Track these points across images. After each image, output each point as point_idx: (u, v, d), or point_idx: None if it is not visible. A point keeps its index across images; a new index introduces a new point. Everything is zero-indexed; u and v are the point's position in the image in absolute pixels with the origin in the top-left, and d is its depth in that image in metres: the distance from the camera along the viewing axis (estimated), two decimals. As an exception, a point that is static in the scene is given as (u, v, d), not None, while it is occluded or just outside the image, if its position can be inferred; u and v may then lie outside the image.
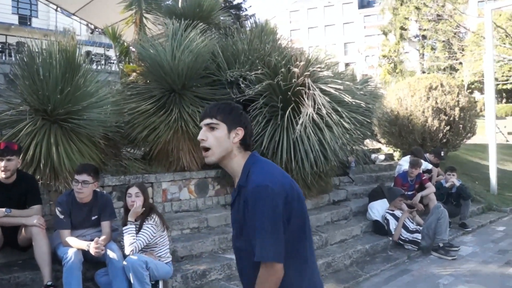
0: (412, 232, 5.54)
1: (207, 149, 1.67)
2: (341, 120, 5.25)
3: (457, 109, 8.37)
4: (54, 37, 4.17)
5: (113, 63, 14.44)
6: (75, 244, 3.37)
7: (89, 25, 13.56)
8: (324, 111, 5.14)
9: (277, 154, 5.14)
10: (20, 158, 3.58)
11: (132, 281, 3.32)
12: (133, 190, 3.58)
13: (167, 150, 5.06)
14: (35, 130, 3.93)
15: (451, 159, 9.33)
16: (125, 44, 7.75)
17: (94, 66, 12.86)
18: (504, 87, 28.07)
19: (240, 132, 1.68)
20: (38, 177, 3.89)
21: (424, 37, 29.99)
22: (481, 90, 28.57)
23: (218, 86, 5.49)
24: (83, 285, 3.29)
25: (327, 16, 54.38)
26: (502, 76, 25.33)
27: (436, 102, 8.35)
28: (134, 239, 3.45)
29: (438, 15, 18.39)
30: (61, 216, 3.46)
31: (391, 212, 5.76)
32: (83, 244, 3.36)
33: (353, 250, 5.05)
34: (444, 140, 8.39)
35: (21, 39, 12.11)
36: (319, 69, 5.45)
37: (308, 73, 5.35)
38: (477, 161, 10.73)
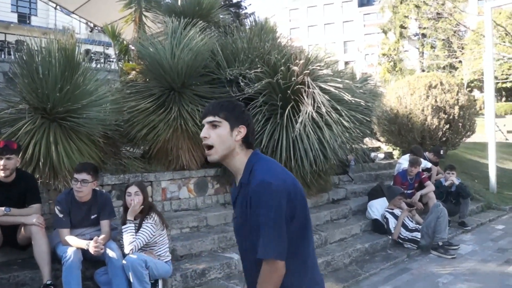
0: (411, 230, 5.54)
1: (209, 147, 1.66)
2: (341, 119, 5.24)
3: (456, 107, 8.38)
4: (53, 35, 4.15)
5: (113, 61, 14.41)
6: (74, 243, 3.37)
7: (89, 23, 13.52)
8: (323, 110, 5.13)
9: (276, 153, 5.13)
10: (20, 156, 3.58)
11: (131, 280, 3.32)
12: (133, 189, 3.58)
13: (166, 149, 5.05)
14: (34, 128, 3.92)
15: (451, 158, 9.33)
16: (125, 42, 7.74)
17: (93, 65, 12.87)
18: (504, 85, 28.02)
19: (242, 130, 1.67)
20: (38, 176, 3.89)
21: (423, 35, 30.01)
22: (480, 89, 28.58)
23: (218, 85, 5.47)
24: (82, 284, 3.29)
25: (326, 15, 54.29)
26: (502, 74, 25.31)
27: (436, 101, 8.36)
28: (133, 238, 3.45)
29: (438, 13, 18.35)
30: (61, 215, 3.46)
31: (391, 210, 5.76)
32: (82, 243, 3.36)
33: (352, 249, 5.05)
34: (444, 139, 8.40)
35: (20, 38, 12.09)
36: (318, 68, 5.44)
37: (308, 71, 5.33)
38: (476, 160, 10.72)
